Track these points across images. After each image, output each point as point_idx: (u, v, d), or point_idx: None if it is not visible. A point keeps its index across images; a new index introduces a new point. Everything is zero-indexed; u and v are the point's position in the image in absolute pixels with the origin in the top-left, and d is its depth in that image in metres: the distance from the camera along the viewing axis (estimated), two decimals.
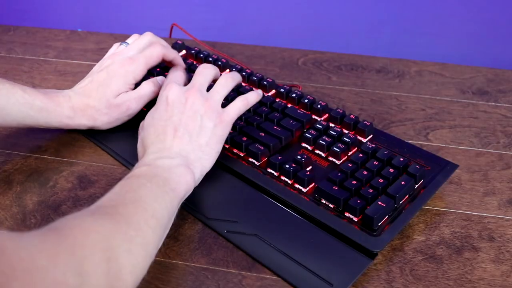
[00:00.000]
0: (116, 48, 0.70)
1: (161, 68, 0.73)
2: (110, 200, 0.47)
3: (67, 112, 0.63)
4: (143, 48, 0.67)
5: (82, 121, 0.64)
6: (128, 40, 0.70)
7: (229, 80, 0.62)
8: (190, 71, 0.74)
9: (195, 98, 0.57)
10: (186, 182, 0.52)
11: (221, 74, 0.63)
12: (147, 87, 0.65)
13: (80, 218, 0.42)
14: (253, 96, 0.62)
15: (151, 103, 0.65)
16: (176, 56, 0.70)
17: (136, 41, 0.68)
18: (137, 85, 0.66)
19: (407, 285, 0.49)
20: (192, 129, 0.56)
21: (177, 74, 0.64)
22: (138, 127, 0.60)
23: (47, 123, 0.63)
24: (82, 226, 0.41)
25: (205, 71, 0.62)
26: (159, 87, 0.66)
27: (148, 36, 0.69)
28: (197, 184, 0.55)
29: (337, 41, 0.90)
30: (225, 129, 0.57)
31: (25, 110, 0.61)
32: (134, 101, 0.64)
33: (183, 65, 0.70)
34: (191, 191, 0.54)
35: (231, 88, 0.62)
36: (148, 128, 0.57)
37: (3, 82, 0.61)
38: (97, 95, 0.63)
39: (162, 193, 0.49)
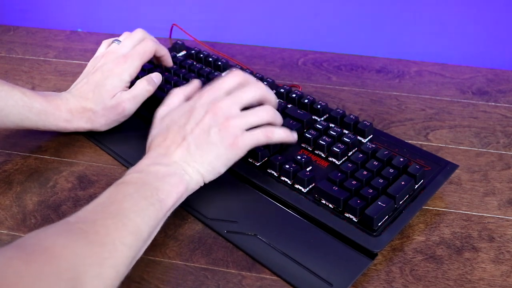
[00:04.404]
0: (106, 45, 0.70)
1: (155, 65, 0.73)
2: (92, 212, 0.46)
3: (65, 116, 0.63)
4: (135, 45, 0.67)
5: (80, 124, 0.64)
6: (120, 38, 0.69)
7: (270, 115, 0.56)
8: (190, 71, 0.74)
9: (219, 113, 0.53)
10: (177, 192, 0.51)
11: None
12: (141, 85, 0.64)
13: (52, 239, 0.41)
14: (280, 135, 0.56)
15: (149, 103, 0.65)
16: (166, 53, 0.71)
17: (128, 38, 0.68)
18: (133, 82, 0.66)
19: (407, 285, 0.49)
20: (200, 143, 0.53)
21: (227, 82, 0.57)
22: (139, 126, 0.59)
23: (45, 126, 0.63)
24: (53, 250, 0.40)
25: (250, 90, 0.56)
26: (154, 85, 0.65)
27: (139, 33, 0.68)
28: (190, 193, 0.54)
29: (337, 41, 0.90)
30: (234, 154, 0.54)
31: (24, 113, 0.61)
32: (128, 102, 0.64)
33: (171, 63, 0.72)
34: (182, 201, 0.53)
35: (264, 122, 0.56)
36: (162, 127, 0.55)
37: (2, 84, 0.61)
38: (94, 97, 0.63)
39: (148, 205, 0.48)
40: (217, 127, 0.53)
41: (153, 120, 0.58)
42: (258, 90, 0.56)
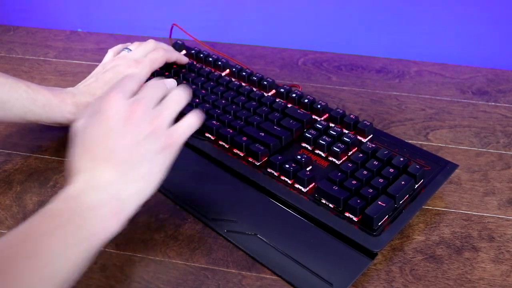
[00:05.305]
0: (113, 53, 0.71)
1: (165, 70, 0.73)
2: (9, 247, 0.40)
3: (70, 108, 0.63)
4: (147, 53, 0.70)
5: None
6: (130, 47, 0.72)
7: (183, 95, 0.52)
8: (190, 71, 0.74)
9: (141, 116, 0.47)
10: (108, 227, 0.44)
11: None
12: None
13: None
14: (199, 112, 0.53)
15: None
16: (177, 58, 0.73)
17: (141, 47, 0.70)
18: None
19: (407, 285, 0.49)
20: (130, 157, 0.46)
21: (128, 81, 0.51)
22: None
23: (49, 118, 0.63)
24: None
25: (157, 84, 0.52)
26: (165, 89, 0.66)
27: (151, 43, 0.71)
28: (130, 217, 0.46)
29: (337, 41, 0.90)
30: (172, 154, 0.48)
31: (28, 105, 0.61)
32: None
33: (186, 60, 0.74)
34: (115, 234, 0.45)
35: (184, 105, 0.52)
36: (79, 147, 0.47)
37: (7, 77, 0.61)
38: (102, 94, 0.64)
39: (72, 245, 0.41)
40: (145, 132, 0.47)
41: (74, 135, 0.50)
42: (162, 84, 0.52)
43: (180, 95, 0.52)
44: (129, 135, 0.46)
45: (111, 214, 0.44)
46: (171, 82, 0.67)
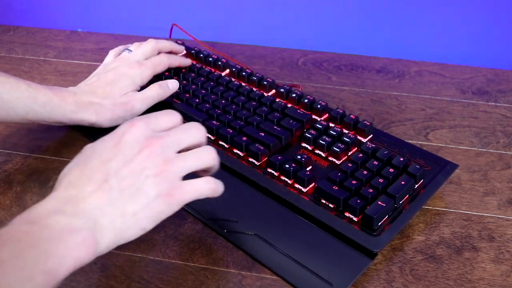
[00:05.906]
0: (114, 54, 0.72)
1: (170, 73, 0.73)
2: None
3: (70, 107, 0.63)
4: (148, 54, 0.70)
5: (86, 116, 0.63)
6: (131, 47, 0.72)
7: (212, 158, 0.48)
8: (190, 71, 0.74)
9: (154, 152, 0.44)
10: (75, 258, 0.38)
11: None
12: (154, 89, 0.66)
13: None
14: (221, 187, 0.49)
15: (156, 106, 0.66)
16: (180, 63, 0.73)
17: (141, 47, 0.70)
18: (142, 88, 0.67)
19: (407, 285, 0.49)
20: (126, 188, 0.42)
21: (162, 116, 0.49)
22: None
23: (50, 117, 0.63)
24: None
25: (194, 129, 0.48)
26: (166, 90, 0.67)
27: (151, 43, 0.71)
28: (101, 254, 0.42)
29: (337, 41, 0.90)
30: (168, 208, 0.44)
31: (29, 104, 0.61)
32: (139, 101, 0.65)
33: (189, 63, 0.75)
34: (85, 264, 0.40)
35: (206, 166, 0.48)
36: (78, 159, 0.45)
37: (8, 76, 0.61)
38: (104, 93, 0.64)
39: (28, 279, 0.35)
40: (152, 170, 0.43)
41: None
42: (199, 132, 0.49)
43: (209, 154, 0.47)
44: (135, 165, 0.43)
45: (78, 245, 0.39)
46: (173, 82, 0.68)
